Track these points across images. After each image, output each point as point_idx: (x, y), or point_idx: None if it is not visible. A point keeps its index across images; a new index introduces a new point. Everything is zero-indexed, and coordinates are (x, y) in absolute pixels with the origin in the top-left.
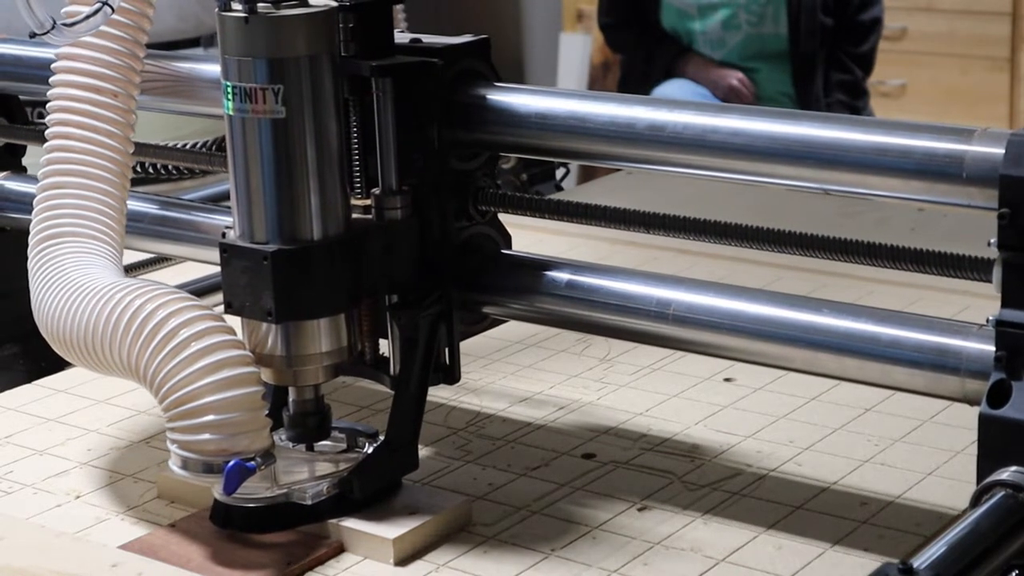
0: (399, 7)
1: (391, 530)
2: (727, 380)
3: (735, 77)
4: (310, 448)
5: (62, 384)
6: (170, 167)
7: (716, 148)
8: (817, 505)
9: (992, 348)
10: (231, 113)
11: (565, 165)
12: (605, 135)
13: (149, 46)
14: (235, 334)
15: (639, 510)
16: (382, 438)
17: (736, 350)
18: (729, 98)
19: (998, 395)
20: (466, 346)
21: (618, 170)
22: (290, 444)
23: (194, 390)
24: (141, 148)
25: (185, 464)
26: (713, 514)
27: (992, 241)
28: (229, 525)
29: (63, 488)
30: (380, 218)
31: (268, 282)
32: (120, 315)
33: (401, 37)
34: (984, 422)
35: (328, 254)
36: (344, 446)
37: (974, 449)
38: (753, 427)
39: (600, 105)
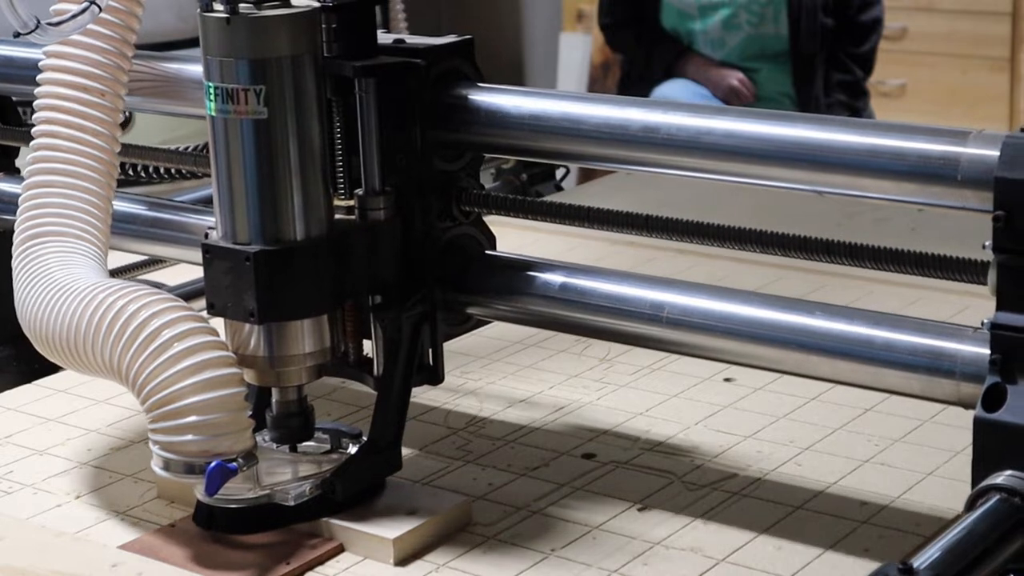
0: (400, 7)
1: (391, 530)
2: (727, 380)
3: (735, 77)
4: (293, 449)
5: (61, 384)
6: (161, 170)
7: (710, 150)
8: (817, 505)
9: (987, 351)
10: (213, 114)
11: (565, 165)
12: (595, 136)
13: (147, 45)
14: (218, 335)
15: (639, 510)
16: (366, 439)
17: (730, 353)
18: (729, 98)
19: (993, 399)
20: (466, 346)
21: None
22: (273, 445)
23: (176, 391)
24: (130, 150)
25: (167, 465)
26: (713, 514)
27: (987, 244)
28: (212, 526)
29: (63, 488)
30: (363, 219)
31: (250, 283)
32: (103, 316)
33: (384, 38)
34: (979, 426)
35: (311, 255)
36: (328, 447)
37: None
38: (753, 427)
39: (586, 106)
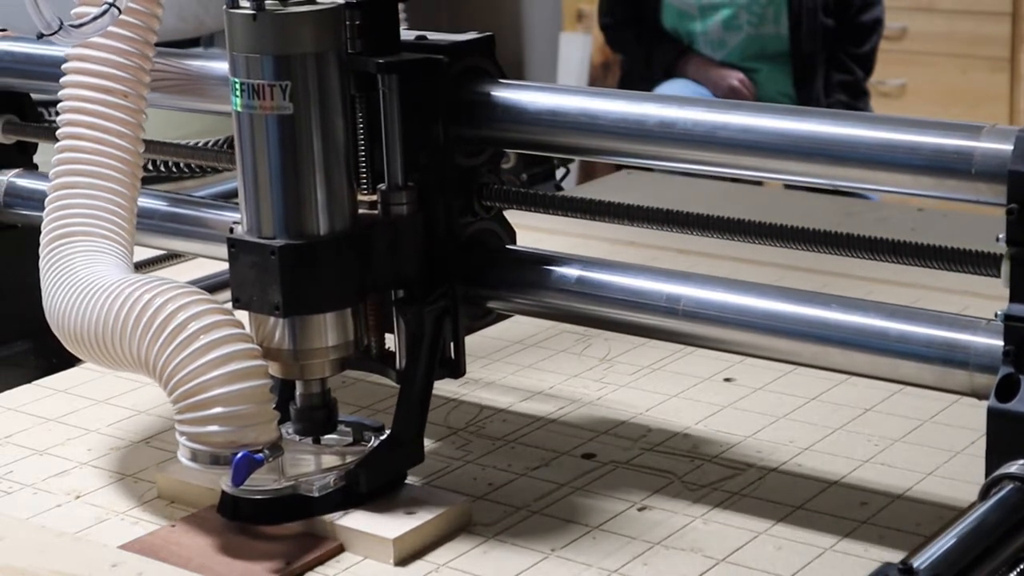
0: (400, 7)
1: (391, 530)
2: (727, 380)
3: (735, 77)
4: (317, 441)
5: (62, 384)
6: (181, 164)
7: (726, 144)
8: (817, 505)
9: (1000, 343)
10: (239, 109)
11: (565, 165)
12: (614, 131)
13: None
14: (243, 328)
15: (639, 510)
16: (388, 432)
17: (745, 345)
18: (729, 99)
19: (1006, 389)
20: (467, 346)
21: (618, 170)
22: (297, 437)
23: (203, 383)
24: (151, 146)
25: (194, 456)
26: (713, 514)
27: (1000, 236)
28: (237, 517)
29: (63, 488)
30: (386, 214)
31: (275, 277)
32: (130, 310)
33: (407, 34)
34: (993, 416)
35: (335, 249)
36: (350, 440)
37: (974, 449)
38: (753, 427)
39: (607, 101)
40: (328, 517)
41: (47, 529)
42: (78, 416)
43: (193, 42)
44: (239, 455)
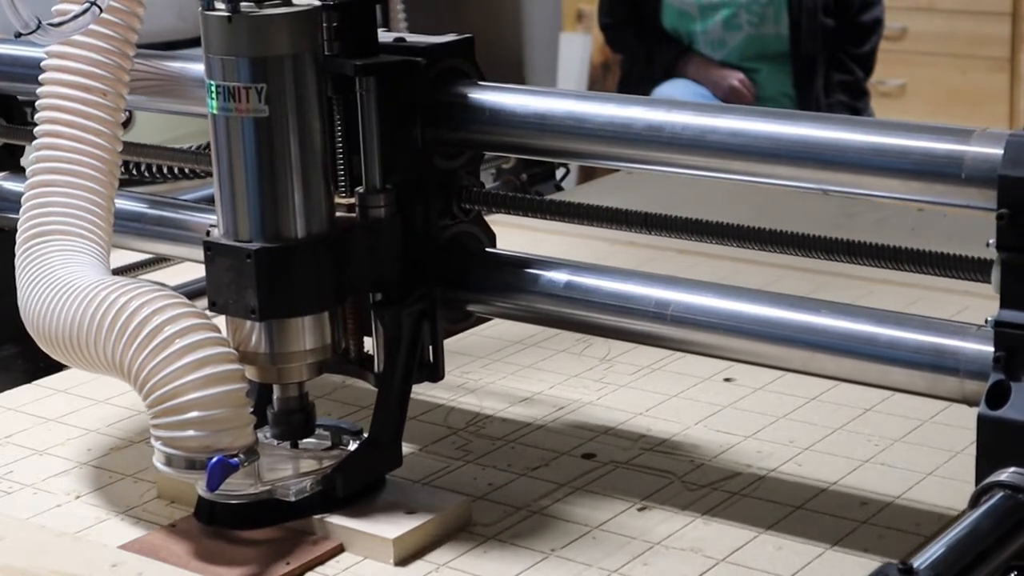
0: (400, 7)
1: (391, 530)
2: (727, 380)
3: (736, 78)
4: (294, 445)
5: (62, 384)
6: (165, 169)
7: (714, 149)
8: (817, 505)
9: (991, 349)
10: (215, 112)
11: (565, 165)
12: (598, 135)
13: (147, 45)
14: (219, 331)
15: (639, 510)
16: (367, 435)
17: (734, 351)
18: (730, 98)
19: (997, 396)
20: (466, 346)
21: (618, 170)
22: (274, 441)
23: (178, 387)
24: (128, 148)
25: (169, 461)
26: (713, 514)
27: (991, 242)
28: (214, 522)
29: (63, 488)
30: (364, 216)
31: (251, 280)
32: (105, 312)
33: (385, 36)
34: (983, 423)
35: (312, 252)
36: (328, 443)
37: (974, 449)
38: (753, 427)
39: (590, 104)
40: (327, 517)
41: (47, 529)
42: (78, 416)
43: (193, 42)
44: (214, 460)
